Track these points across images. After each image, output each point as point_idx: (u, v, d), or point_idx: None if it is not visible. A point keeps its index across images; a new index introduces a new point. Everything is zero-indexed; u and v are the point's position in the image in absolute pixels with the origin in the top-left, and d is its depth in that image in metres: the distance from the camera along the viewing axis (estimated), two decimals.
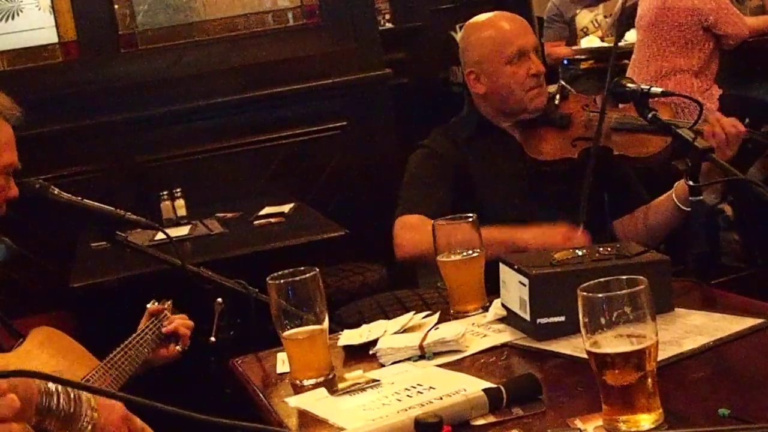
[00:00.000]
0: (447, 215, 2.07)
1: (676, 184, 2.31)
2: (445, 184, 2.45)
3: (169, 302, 2.31)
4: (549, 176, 2.43)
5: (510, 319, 1.82)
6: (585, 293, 1.29)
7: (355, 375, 1.68)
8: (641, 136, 2.37)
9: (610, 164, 2.43)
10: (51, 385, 1.50)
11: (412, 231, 2.35)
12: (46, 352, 1.88)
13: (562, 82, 2.55)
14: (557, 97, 2.52)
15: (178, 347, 2.23)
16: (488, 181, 2.47)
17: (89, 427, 1.55)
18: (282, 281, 1.69)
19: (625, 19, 5.16)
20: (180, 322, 2.24)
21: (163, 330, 2.21)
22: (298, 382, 1.70)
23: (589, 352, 1.30)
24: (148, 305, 2.27)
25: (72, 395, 1.53)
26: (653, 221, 2.40)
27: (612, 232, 2.50)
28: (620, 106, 2.58)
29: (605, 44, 5.32)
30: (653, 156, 2.37)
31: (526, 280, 1.72)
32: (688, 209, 2.25)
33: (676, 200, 2.30)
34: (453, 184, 2.45)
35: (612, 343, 1.28)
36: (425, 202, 2.41)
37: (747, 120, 2.33)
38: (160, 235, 3.06)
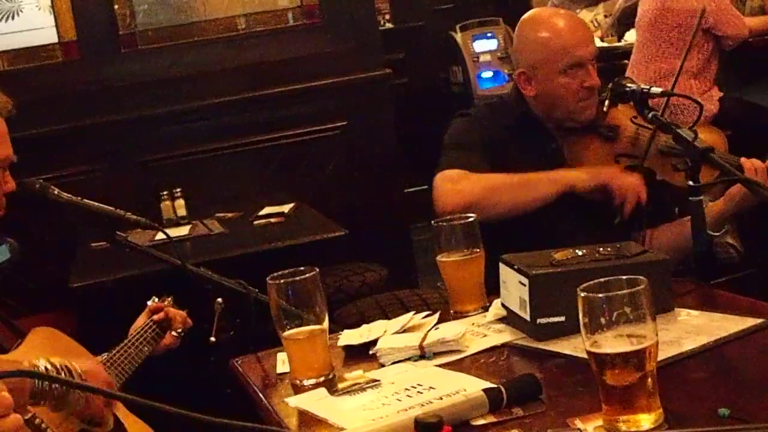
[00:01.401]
0: None
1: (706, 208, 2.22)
2: (485, 152, 2.36)
3: (169, 299, 2.31)
4: None
5: (510, 319, 1.82)
6: (585, 293, 1.29)
7: (355, 375, 1.68)
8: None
9: (649, 183, 2.35)
10: (41, 368, 1.51)
11: (454, 182, 2.27)
12: (45, 352, 1.88)
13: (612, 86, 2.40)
14: (606, 103, 2.36)
15: (173, 332, 2.23)
16: (523, 172, 2.36)
17: (82, 401, 1.57)
18: (282, 281, 1.69)
19: (625, 19, 5.17)
20: (169, 310, 2.24)
21: (155, 318, 2.21)
22: (298, 382, 1.70)
23: (589, 352, 1.30)
24: (149, 302, 2.27)
25: (63, 374, 1.54)
26: (677, 241, 2.32)
27: (642, 240, 2.42)
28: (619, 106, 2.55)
29: (605, 44, 5.32)
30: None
31: (526, 280, 1.72)
32: (715, 234, 2.20)
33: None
34: (489, 157, 2.36)
35: (612, 343, 1.28)
36: (466, 160, 2.32)
37: None
38: (160, 235, 3.06)
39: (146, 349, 2.13)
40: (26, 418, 1.55)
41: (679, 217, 2.41)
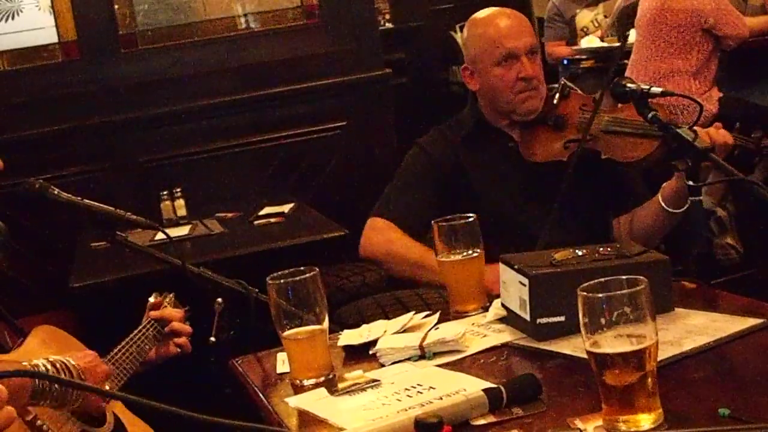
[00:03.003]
0: (423, 221, 2.15)
1: (663, 185, 2.29)
2: (430, 190, 2.46)
3: (171, 295, 2.30)
4: (543, 177, 2.39)
5: (510, 319, 1.82)
6: (585, 293, 1.29)
7: (355, 375, 1.68)
8: (631, 140, 2.33)
9: (600, 166, 2.38)
10: (41, 368, 1.52)
11: (375, 233, 2.45)
12: (47, 350, 1.89)
13: (564, 80, 2.47)
14: (556, 96, 2.47)
15: (178, 349, 2.22)
16: (485, 180, 2.46)
17: (80, 398, 1.57)
18: (282, 281, 1.69)
19: (625, 19, 5.17)
20: (177, 325, 2.23)
21: (152, 314, 2.20)
22: (298, 382, 1.70)
23: (589, 352, 1.30)
24: (150, 299, 2.26)
25: (63, 374, 1.54)
26: (642, 223, 2.38)
27: (611, 231, 2.49)
28: (619, 106, 2.56)
29: (605, 44, 5.33)
30: (641, 161, 2.32)
31: (526, 280, 1.72)
32: (675, 211, 2.25)
33: (662, 203, 2.28)
34: (442, 188, 2.46)
35: (612, 343, 1.28)
36: (399, 207, 2.46)
37: (738, 124, 2.29)
38: (160, 235, 3.06)
39: (147, 346, 2.13)
40: (28, 419, 1.55)
41: (647, 193, 2.44)
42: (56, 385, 1.51)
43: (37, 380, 1.47)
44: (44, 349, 1.88)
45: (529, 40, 2.45)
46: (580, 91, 2.61)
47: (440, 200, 2.41)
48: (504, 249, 1.93)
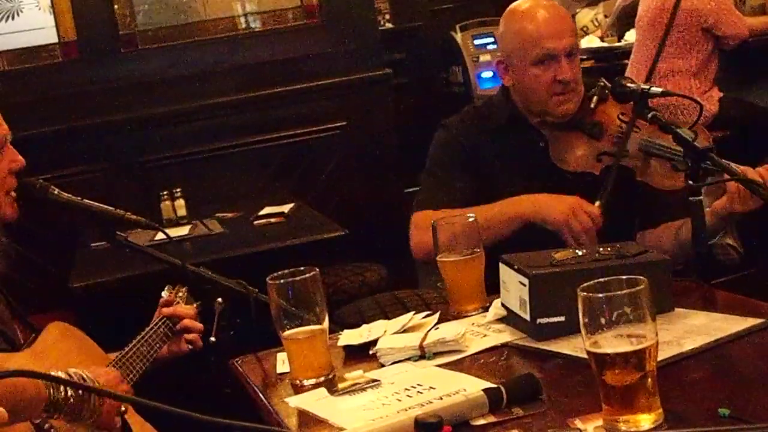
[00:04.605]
0: (467, 203, 2.04)
1: (714, 204, 2.19)
2: (464, 173, 2.38)
3: (184, 289, 2.29)
4: (570, 186, 2.28)
5: (510, 319, 1.82)
6: (585, 293, 1.29)
7: (355, 375, 1.68)
8: (669, 165, 2.20)
9: (632, 183, 2.30)
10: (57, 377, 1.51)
11: (422, 231, 2.28)
12: (58, 349, 1.88)
13: (603, 81, 2.34)
14: (594, 99, 2.33)
15: (189, 346, 2.22)
16: (509, 175, 2.37)
17: (96, 415, 1.57)
18: (282, 281, 1.69)
19: (625, 19, 5.17)
20: (188, 322, 2.22)
21: (164, 312, 2.19)
22: (298, 382, 1.70)
23: (589, 352, 1.30)
24: (164, 293, 2.26)
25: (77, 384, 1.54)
26: (684, 239, 2.23)
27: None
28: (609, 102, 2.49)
29: (605, 44, 5.33)
30: (678, 190, 2.22)
31: (526, 280, 1.72)
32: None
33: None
34: (472, 171, 2.37)
35: (612, 343, 1.28)
36: (440, 195, 2.35)
37: None
38: (160, 235, 3.06)
39: (158, 345, 2.12)
40: (36, 422, 1.55)
41: (677, 206, 2.32)
42: (71, 399, 1.51)
43: (51, 391, 1.47)
44: (55, 349, 1.88)
45: (569, 40, 2.33)
46: None
47: (473, 181, 2.36)
48: (519, 248, 1.90)
